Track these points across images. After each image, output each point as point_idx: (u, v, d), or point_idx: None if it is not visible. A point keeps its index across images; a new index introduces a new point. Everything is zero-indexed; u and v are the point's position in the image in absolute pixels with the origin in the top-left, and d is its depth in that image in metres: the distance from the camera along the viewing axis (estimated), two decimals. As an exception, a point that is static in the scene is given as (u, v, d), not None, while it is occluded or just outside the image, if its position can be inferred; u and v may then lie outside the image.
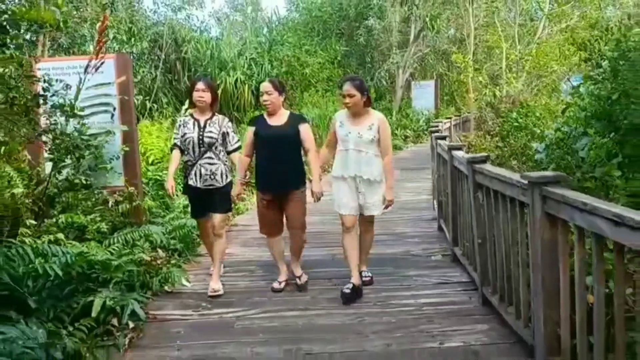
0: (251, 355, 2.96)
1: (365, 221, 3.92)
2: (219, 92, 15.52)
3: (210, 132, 3.91)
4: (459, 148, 4.41)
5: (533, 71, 12.25)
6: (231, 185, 4.09)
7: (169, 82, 16.58)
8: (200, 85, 3.94)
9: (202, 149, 3.91)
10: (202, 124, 3.93)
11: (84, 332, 3.06)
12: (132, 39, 13.18)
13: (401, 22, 17.98)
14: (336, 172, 3.85)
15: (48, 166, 4.84)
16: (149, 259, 4.12)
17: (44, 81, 3.06)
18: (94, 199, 4.89)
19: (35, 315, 3.07)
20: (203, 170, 3.91)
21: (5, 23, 2.14)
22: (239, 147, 4.11)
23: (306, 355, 2.94)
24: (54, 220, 4.45)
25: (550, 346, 2.49)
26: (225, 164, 4.01)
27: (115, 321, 3.24)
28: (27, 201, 4.42)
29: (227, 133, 4.01)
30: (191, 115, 4.06)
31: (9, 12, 2.10)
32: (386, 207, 3.85)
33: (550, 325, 2.46)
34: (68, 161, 4.63)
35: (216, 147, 3.95)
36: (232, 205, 3.99)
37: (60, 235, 3.89)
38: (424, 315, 3.40)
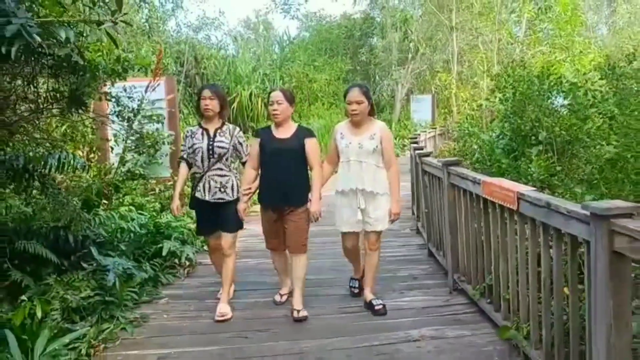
0: (268, 279, 4.50)
1: (370, 239, 3.69)
2: (235, 104, 17.40)
3: (221, 142, 3.70)
4: (421, 148, 5.94)
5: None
6: None
7: (189, 96, 18.37)
8: (206, 93, 3.71)
9: (212, 159, 3.69)
10: (211, 134, 3.72)
11: (156, 266, 4.62)
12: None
13: (400, 42, 19.74)
14: (338, 186, 3.70)
15: (114, 160, 6.50)
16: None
17: (139, 100, 4.65)
18: (145, 186, 6.52)
19: (123, 255, 4.64)
20: (212, 183, 3.70)
21: (125, 68, 3.76)
22: None
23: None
24: (120, 200, 6.07)
25: (455, 266, 3.99)
26: (236, 176, 3.82)
27: (176, 261, 4.80)
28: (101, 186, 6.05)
29: (240, 143, 3.80)
30: (199, 124, 3.83)
31: (131, 61, 3.70)
32: (392, 221, 3.69)
33: (454, 251, 3.96)
34: (130, 157, 6.27)
35: (227, 158, 3.75)
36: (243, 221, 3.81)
37: (132, 208, 5.48)
38: (386, 261, 4.87)
